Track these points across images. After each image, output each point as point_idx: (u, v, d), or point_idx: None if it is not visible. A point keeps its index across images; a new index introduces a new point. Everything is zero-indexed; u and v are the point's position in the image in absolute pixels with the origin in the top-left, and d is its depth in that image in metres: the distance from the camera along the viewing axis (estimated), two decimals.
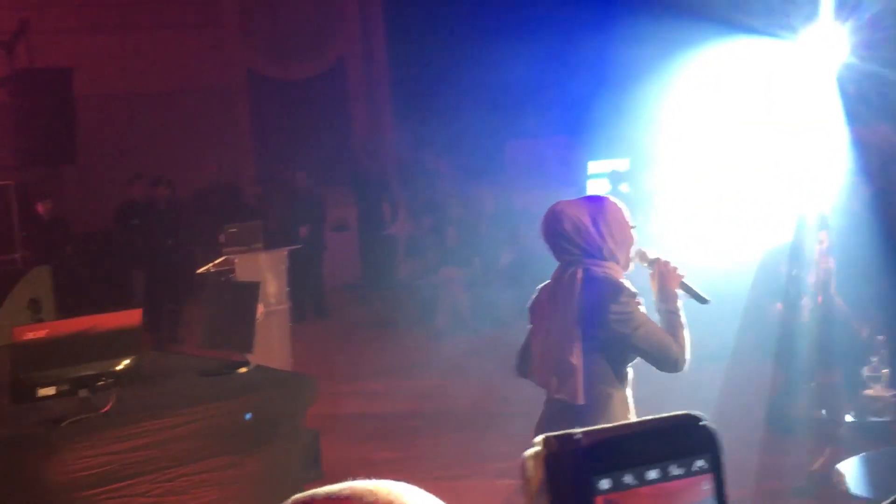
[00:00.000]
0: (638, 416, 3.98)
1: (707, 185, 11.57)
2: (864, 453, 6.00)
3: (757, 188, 10.55)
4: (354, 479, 1.06)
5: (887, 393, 6.52)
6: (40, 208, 13.53)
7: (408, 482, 1.06)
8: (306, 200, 14.43)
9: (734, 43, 11.89)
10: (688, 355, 3.91)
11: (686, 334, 3.93)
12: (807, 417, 6.52)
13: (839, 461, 5.68)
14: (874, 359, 6.56)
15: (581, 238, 3.92)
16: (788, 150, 10.56)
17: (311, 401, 5.82)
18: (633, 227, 4.00)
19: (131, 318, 5.36)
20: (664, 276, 3.98)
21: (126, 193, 13.25)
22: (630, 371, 3.99)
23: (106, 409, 5.02)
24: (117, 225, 13.17)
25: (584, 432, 0.89)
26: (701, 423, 0.90)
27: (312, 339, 12.23)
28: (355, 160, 17.10)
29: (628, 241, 3.98)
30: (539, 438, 0.90)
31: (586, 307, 3.88)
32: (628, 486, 0.86)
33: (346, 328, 13.79)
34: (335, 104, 18.35)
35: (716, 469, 0.89)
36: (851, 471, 5.69)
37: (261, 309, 8.49)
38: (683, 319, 3.94)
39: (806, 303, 6.93)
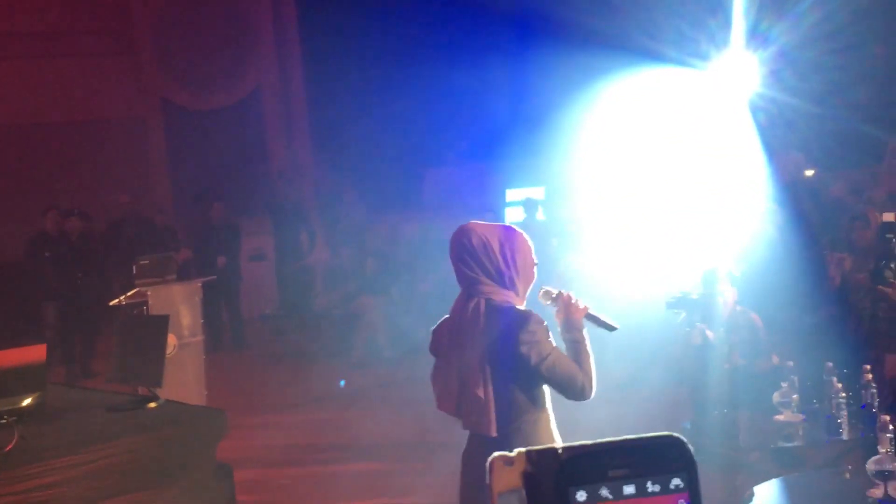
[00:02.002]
0: (561, 436, 3.99)
1: (621, 214, 11.67)
2: (775, 479, 6.06)
3: (672, 218, 10.67)
4: None
5: (797, 418, 6.59)
6: None
7: None
8: (222, 231, 14.30)
9: (648, 72, 12.07)
10: (594, 384, 3.93)
11: (592, 363, 3.95)
12: (719, 444, 6.58)
13: (751, 487, 5.72)
14: (784, 384, 6.64)
15: (486, 258, 3.94)
16: (704, 178, 10.70)
17: (222, 435, 5.73)
18: (535, 265, 4.03)
19: (36, 354, 5.24)
20: (568, 308, 4.01)
21: (38, 225, 13.03)
22: (546, 391, 3.98)
23: (9, 447, 4.90)
24: (28, 257, 12.93)
25: (564, 446, 0.90)
26: (678, 443, 0.90)
27: (229, 370, 12.11)
28: (272, 189, 17.00)
29: (530, 276, 4.02)
30: (519, 450, 0.90)
31: (494, 338, 3.88)
32: (605, 500, 0.87)
33: (264, 359, 13.67)
34: (252, 133, 18.26)
35: (691, 488, 0.89)
36: (764, 496, 5.74)
37: (174, 341, 8.38)
38: (589, 349, 3.96)
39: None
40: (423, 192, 17.31)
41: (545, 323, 3.91)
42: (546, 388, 3.98)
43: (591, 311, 4.04)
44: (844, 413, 6.38)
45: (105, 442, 5.24)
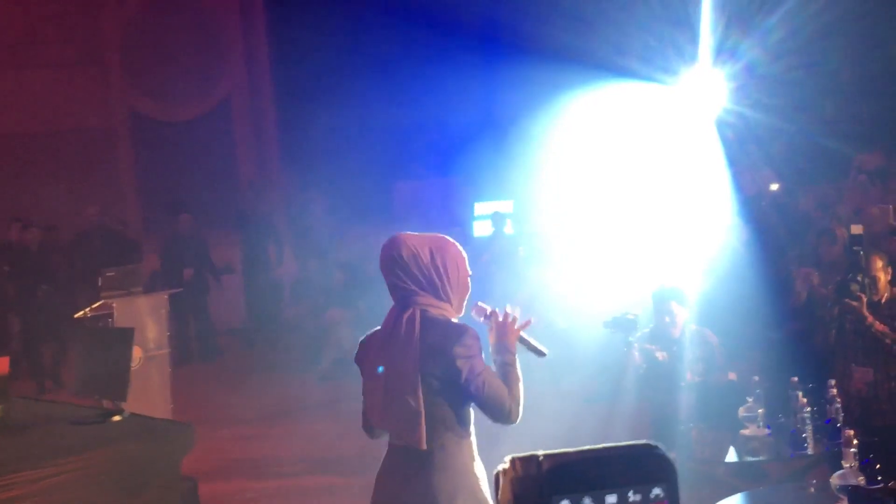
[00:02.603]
0: (483, 462, 3.92)
1: (586, 228, 11.71)
2: (740, 493, 6.08)
3: (635, 233, 10.72)
4: None
5: (762, 433, 6.62)
6: None
7: None
8: (190, 243, 14.24)
9: (616, 86, 12.13)
10: (521, 409, 3.84)
11: (521, 387, 3.86)
12: (684, 459, 6.59)
13: (716, 501, 5.74)
14: (749, 399, 6.66)
15: (417, 269, 3.85)
16: (669, 193, 10.76)
17: (188, 448, 5.69)
18: (469, 275, 3.95)
19: None
20: (501, 329, 3.92)
21: (5, 236, 12.95)
22: (472, 412, 3.90)
23: None
24: None
25: (545, 455, 0.90)
26: (659, 453, 0.91)
27: (196, 382, 12.05)
28: (241, 201, 16.94)
29: (464, 287, 3.94)
30: (507, 458, 0.91)
31: (428, 348, 3.79)
32: None
33: (232, 371, 13.60)
34: (221, 145, 18.20)
35: (672, 498, 0.90)
36: None
37: (139, 354, 8.35)
38: (519, 372, 3.88)
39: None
40: (393, 204, 17.30)
41: (479, 339, 3.83)
42: (472, 411, 3.89)
43: (523, 334, 3.96)
44: (809, 428, 6.41)
45: (68, 455, 5.21)
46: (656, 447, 0.93)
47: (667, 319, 7.15)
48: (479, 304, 4.00)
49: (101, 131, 17.21)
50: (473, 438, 3.91)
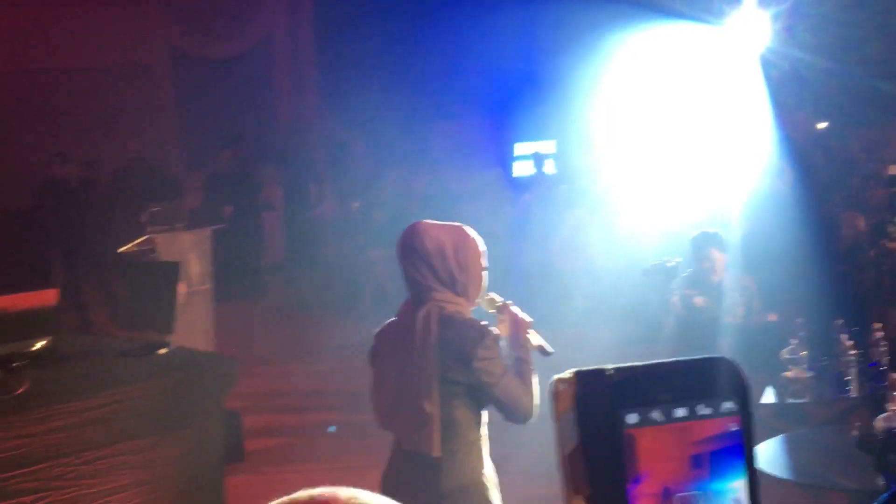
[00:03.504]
0: (492, 462, 3.80)
1: (631, 169, 11.63)
2: (781, 435, 6.08)
3: (682, 173, 10.64)
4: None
5: (805, 375, 6.59)
6: None
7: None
8: (231, 180, 14.27)
9: (661, 26, 11.98)
10: (536, 409, 3.72)
11: (536, 383, 3.75)
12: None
13: (757, 443, 5.74)
14: (793, 341, 6.63)
15: (439, 263, 3.71)
16: (715, 134, 10.65)
17: (232, 382, 5.74)
18: (485, 269, 3.82)
19: (46, 298, 5.25)
20: (515, 322, 3.80)
21: (45, 173, 13.02)
22: (485, 415, 3.80)
23: (20, 390, 4.92)
24: (33, 205, 12.94)
25: (615, 368, 0.89)
26: (731, 366, 0.90)
27: (236, 319, 12.13)
28: (281, 140, 16.95)
29: (479, 282, 3.80)
30: (570, 372, 0.90)
31: (447, 351, 3.66)
32: (656, 423, 0.87)
33: (271, 309, 13.68)
34: (261, 83, 18.16)
35: (744, 412, 0.89)
36: (770, 452, 5.76)
37: (182, 288, 8.41)
38: (533, 367, 3.77)
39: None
40: (432, 144, 17.24)
41: (500, 340, 3.72)
42: (485, 413, 3.79)
43: (532, 330, 3.83)
44: (853, 370, 6.38)
45: (115, 387, 5.26)
46: (729, 361, 0.91)
47: (706, 265, 7.11)
48: (492, 295, 3.87)
49: (141, 67, 17.20)
50: (485, 442, 3.80)
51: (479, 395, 3.69)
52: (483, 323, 3.73)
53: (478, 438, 3.76)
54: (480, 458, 3.76)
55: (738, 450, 0.90)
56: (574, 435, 0.87)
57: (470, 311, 3.79)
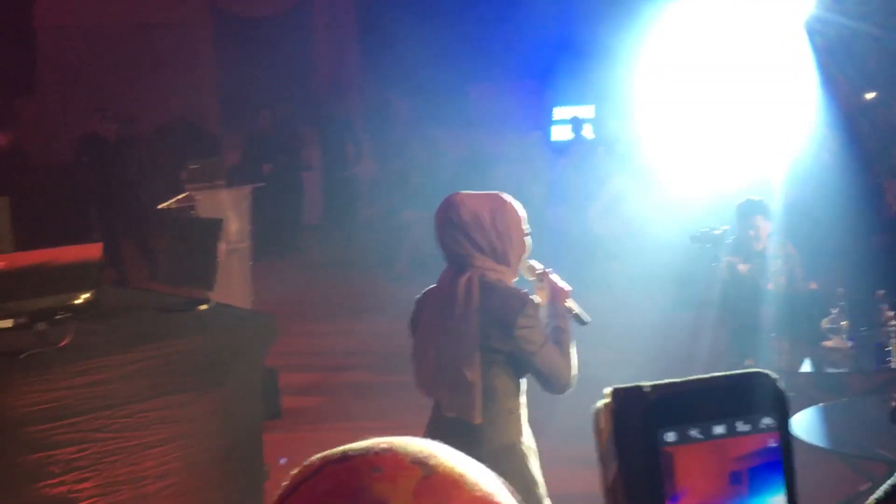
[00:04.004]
0: (532, 428, 3.81)
1: (671, 135, 11.55)
2: (820, 404, 6.06)
3: (723, 139, 10.56)
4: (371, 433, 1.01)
5: (845, 345, 6.56)
6: None
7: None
8: (270, 139, 14.31)
9: None
10: (574, 379, 3.73)
11: (574, 353, 3.75)
12: (764, 368, 6.57)
13: (796, 412, 5.73)
14: (834, 311, 6.60)
15: (477, 232, 3.69)
16: (758, 101, 10.55)
17: (272, 339, 5.77)
18: (527, 235, 3.80)
19: (91, 251, 5.28)
20: (554, 290, 3.79)
21: (87, 128, 13.08)
22: (524, 383, 3.78)
23: (63, 343, 4.96)
24: (74, 160, 13.02)
25: (652, 385, 0.88)
26: (770, 381, 0.89)
27: (273, 278, 12.18)
28: (320, 99, 16.95)
29: (521, 248, 3.77)
30: (608, 390, 0.89)
31: (488, 318, 3.65)
32: (694, 440, 0.86)
33: (307, 268, 13.74)
34: (301, 43, 18.15)
35: (783, 428, 0.88)
36: (809, 421, 5.75)
37: (222, 247, 8.44)
38: (572, 336, 3.76)
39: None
40: (469, 107, 17.19)
41: (538, 307, 3.71)
42: (524, 381, 3.77)
43: (571, 299, 3.82)
44: (894, 341, 6.34)
45: (157, 342, 5.30)
46: (767, 375, 0.90)
47: (751, 233, 7.07)
48: (532, 262, 3.85)
49: (181, 25, 17.23)
50: (524, 410, 3.79)
51: (519, 363, 3.69)
52: (524, 291, 3.72)
53: (516, 406, 3.75)
54: (519, 425, 3.76)
55: (777, 466, 0.89)
56: (614, 456, 0.87)
57: (512, 280, 3.77)
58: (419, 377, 3.87)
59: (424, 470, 0.93)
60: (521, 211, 3.79)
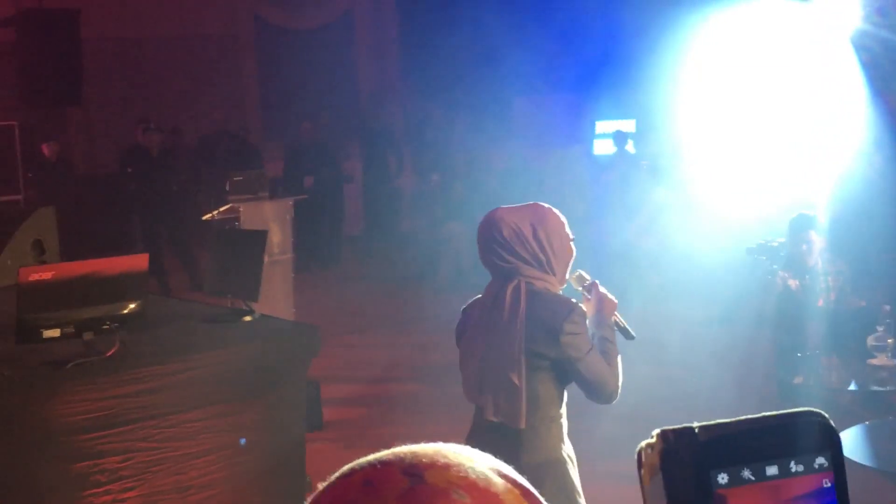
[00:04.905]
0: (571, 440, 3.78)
1: (715, 151, 11.48)
2: (866, 422, 6.00)
3: (768, 154, 10.49)
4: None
5: (891, 363, 6.48)
6: (46, 150, 13.51)
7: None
8: (312, 151, 14.37)
9: (746, 4, 11.78)
10: (619, 390, 3.72)
11: (619, 363, 3.74)
12: (812, 385, 6.51)
13: (841, 430, 5.67)
14: (880, 328, 6.53)
15: (519, 246, 3.70)
16: (803, 116, 10.48)
17: (315, 351, 5.78)
18: (572, 240, 3.80)
19: (138, 262, 5.32)
20: (602, 301, 3.80)
21: (132, 139, 13.20)
22: (566, 393, 3.78)
23: (110, 352, 5.00)
24: (118, 169, 13.14)
25: (701, 426, 0.87)
26: (822, 421, 0.88)
27: (314, 290, 12.23)
28: (361, 112, 17.01)
29: (567, 254, 3.78)
30: (655, 432, 0.88)
31: (535, 324, 3.66)
32: (747, 482, 0.85)
33: (349, 280, 13.78)
34: (343, 55, 18.24)
35: (836, 467, 0.87)
36: (854, 439, 5.69)
37: (265, 258, 8.47)
38: (617, 347, 3.77)
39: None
40: (512, 119, 17.19)
41: (585, 316, 3.70)
42: (566, 392, 3.77)
43: (617, 313, 3.83)
44: None
45: (201, 352, 5.33)
46: (819, 414, 0.89)
47: (804, 248, 7.02)
48: (580, 272, 3.86)
49: (225, 37, 17.37)
50: (564, 420, 3.78)
51: (564, 371, 3.68)
52: (572, 299, 3.72)
53: (558, 415, 3.75)
54: (560, 434, 3.76)
55: None
56: (663, 499, 0.86)
57: (559, 289, 3.78)
58: (466, 383, 3.88)
59: (412, 481, 0.92)
60: (562, 216, 3.80)
